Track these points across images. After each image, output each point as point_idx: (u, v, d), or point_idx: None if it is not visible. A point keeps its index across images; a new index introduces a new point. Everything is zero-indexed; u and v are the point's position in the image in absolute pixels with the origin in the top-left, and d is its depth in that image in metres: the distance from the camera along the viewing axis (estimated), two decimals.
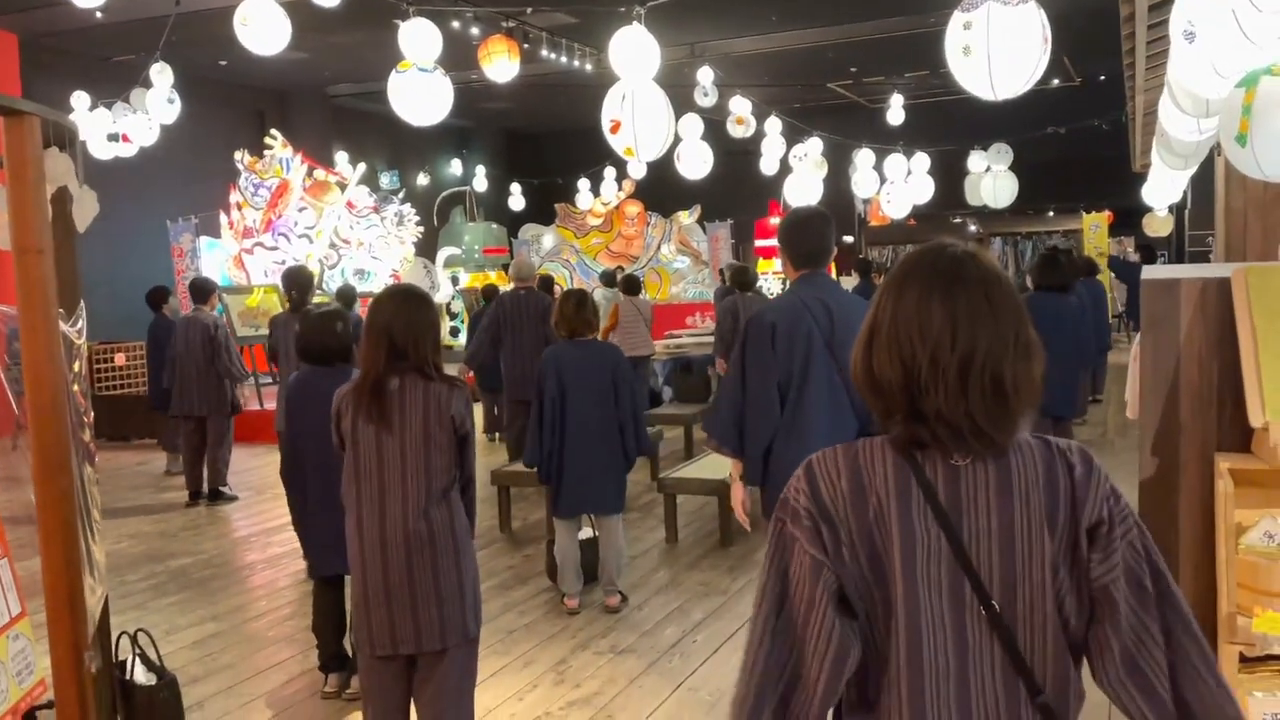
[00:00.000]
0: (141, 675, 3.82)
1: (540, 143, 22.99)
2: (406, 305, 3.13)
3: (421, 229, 15.31)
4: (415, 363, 3.08)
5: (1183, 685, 1.43)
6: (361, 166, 14.83)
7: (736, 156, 14.34)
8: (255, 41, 6.67)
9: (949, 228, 20.16)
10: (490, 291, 11.30)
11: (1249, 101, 3.20)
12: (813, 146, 13.34)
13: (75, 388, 2.99)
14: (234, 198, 13.94)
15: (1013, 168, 13.80)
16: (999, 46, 4.31)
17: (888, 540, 1.46)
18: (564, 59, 12.56)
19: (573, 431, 5.21)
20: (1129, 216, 17.76)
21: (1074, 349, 6.35)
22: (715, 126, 11.90)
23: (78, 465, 2.84)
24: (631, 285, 11.12)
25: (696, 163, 9.42)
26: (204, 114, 13.32)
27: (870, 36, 13.89)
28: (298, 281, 7.12)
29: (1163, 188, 10.01)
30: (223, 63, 14.25)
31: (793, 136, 13.43)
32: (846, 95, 18.84)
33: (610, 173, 17.66)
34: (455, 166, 21.42)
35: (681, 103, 7.98)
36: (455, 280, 16.92)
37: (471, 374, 8.34)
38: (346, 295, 10.10)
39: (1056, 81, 15.87)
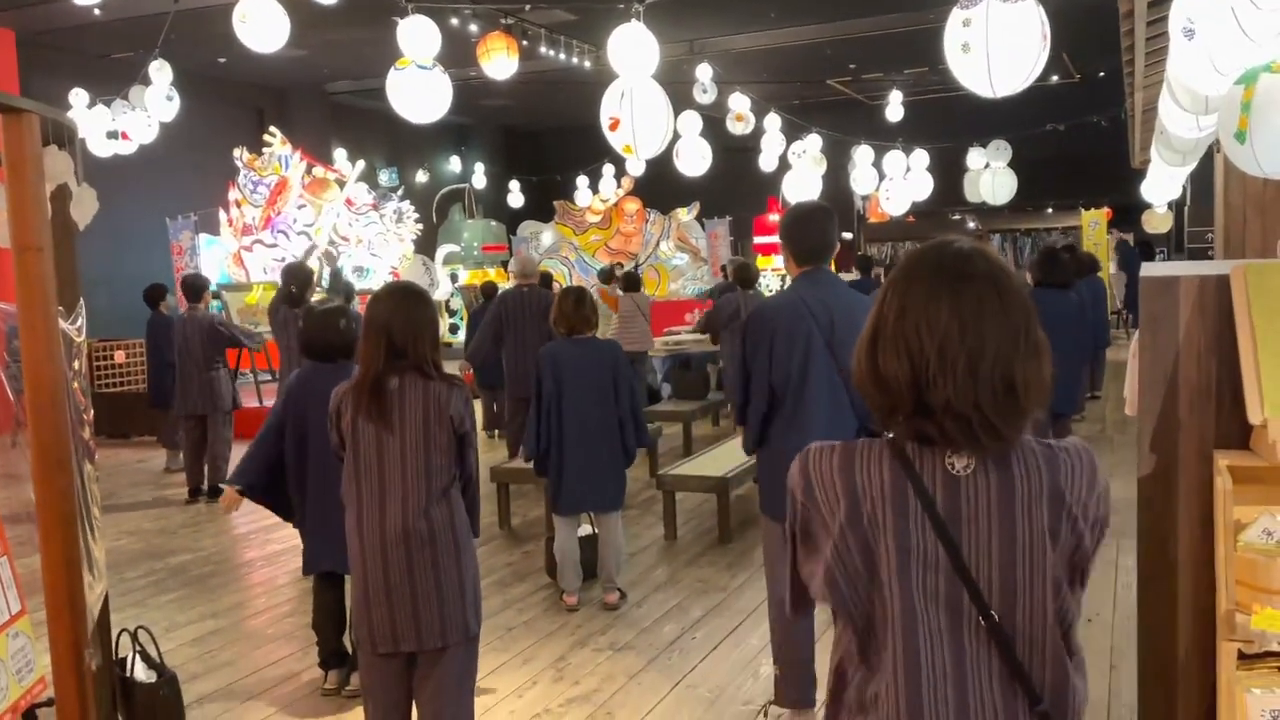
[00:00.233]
0: (141, 673, 3.83)
1: (539, 140, 22.98)
2: (405, 303, 3.13)
3: (420, 226, 15.31)
4: (414, 361, 3.08)
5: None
6: (360, 164, 14.82)
7: (735, 153, 14.33)
8: (254, 39, 6.67)
9: (948, 224, 20.16)
10: (490, 289, 11.30)
11: (1248, 98, 3.20)
12: (812, 143, 13.34)
13: (75, 385, 2.99)
14: (233, 195, 13.94)
15: (1012, 164, 13.81)
16: (998, 43, 4.31)
17: (880, 546, 1.46)
18: (563, 56, 12.56)
19: (571, 430, 5.21)
20: (1128, 213, 17.77)
21: (1074, 346, 6.35)
22: (714, 123, 11.89)
23: (77, 463, 2.84)
24: (631, 282, 11.12)
25: (695, 160, 9.42)
26: (203, 111, 13.31)
27: (869, 33, 13.89)
28: (298, 277, 7.12)
29: (1162, 184, 10.02)
30: (221, 60, 14.24)
31: (792, 133, 13.42)
32: (845, 92, 18.83)
33: (609, 170, 17.65)
34: (454, 164, 21.41)
35: (680, 100, 7.98)
36: (454, 277, 16.91)
37: (470, 372, 8.34)
38: (344, 289, 10.10)
39: (1056, 78, 15.87)
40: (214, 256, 13.84)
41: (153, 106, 9.13)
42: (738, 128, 12.73)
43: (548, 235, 19.37)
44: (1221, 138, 3.47)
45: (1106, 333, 11.65)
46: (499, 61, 8.94)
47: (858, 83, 18.12)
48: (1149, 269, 2.66)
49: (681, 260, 18.69)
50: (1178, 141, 5.96)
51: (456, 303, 16.37)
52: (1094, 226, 18.93)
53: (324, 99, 17.55)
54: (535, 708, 4.19)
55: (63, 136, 2.88)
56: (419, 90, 6.51)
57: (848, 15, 13.52)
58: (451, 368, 3.54)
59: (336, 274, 6.71)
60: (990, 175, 13.88)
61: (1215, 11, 3.01)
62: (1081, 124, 15.49)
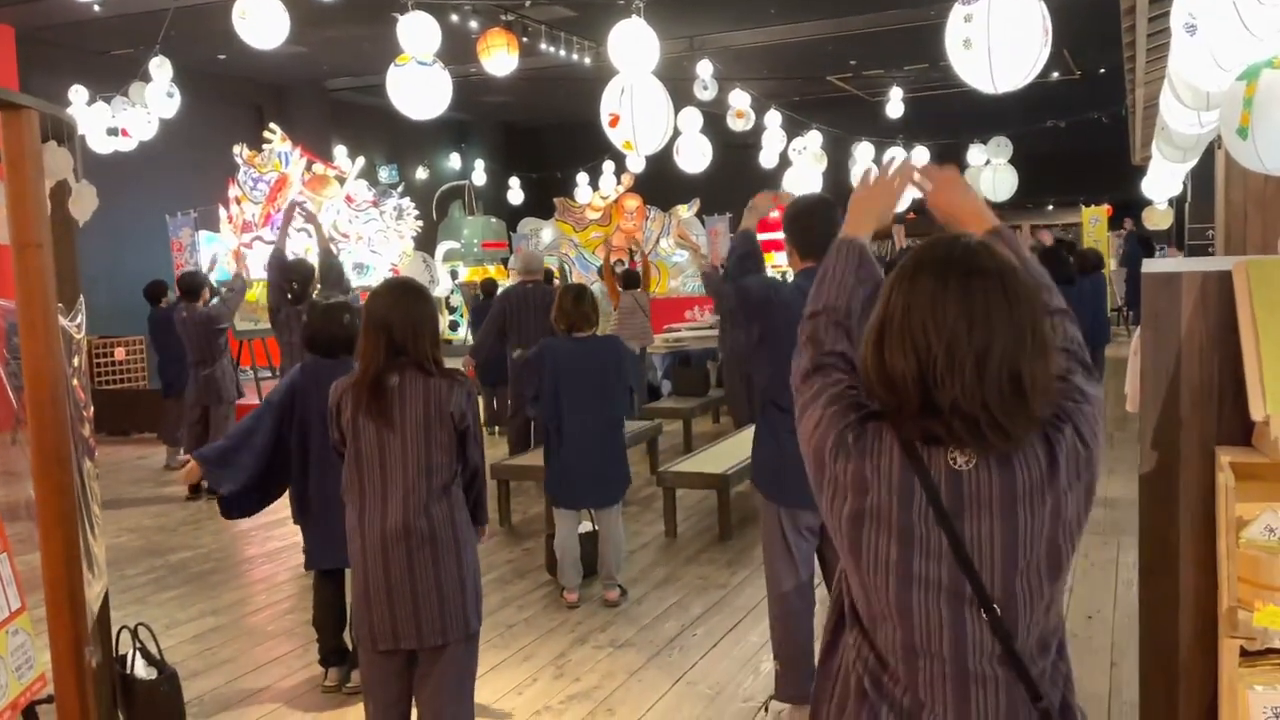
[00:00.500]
0: (142, 670, 3.82)
1: (539, 136, 22.95)
2: (405, 299, 3.12)
3: (420, 223, 15.27)
4: (414, 358, 3.07)
5: None
6: (360, 160, 14.80)
7: (736, 150, 14.32)
8: (254, 35, 6.66)
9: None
10: (490, 286, 11.28)
11: (1250, 94, 3.20)
12: (812, 140, 13.33)
13: (75, 382, 2.98)
14: (233, 192, 13.91)
15: (1012, 161, 13.81)
16: (999, 39, 4.31)
17: (880, 532, 1.46)
18: (563, 52, 12.54)
19: (571, 429, 5.21)
20: (1128, 210, 17.76)
21: None
22: (714, 120, 11.89)
23: (77, 460, 2.84)
24: (631, 279, 11.11)
25: (696, 156, 9.42)
26: (202, 108, 13.29)
27: (870, 29, 13.86)
28: (298, 274, 7.10)
29: (1162, 181, 10.02)
30: (221, 57, 14.22)
31: (792, 130, 13.41)
32: (846, 88, 18.81)
33: (609, 166, 17.63)
34: (454, 160, 21.39)
35: (681, 96, 7.97)
36: (454, 274, 16.89)
37: (472, 368, 8.34)
38: (337, 277, 10.00)
39: (1056, 75, 15.84)
40: (214, 253, 13.82)
41: (153, 103, 9.13)
42: (738, 124, 12.72)
43: (548, 232, 19.35)
44: (1224, 134, 3.47)
45: (1107, 330, 11.65)
46: (499, 58, 8.93)
47: (858, 79, 18.09)
48: (1150, 265, 2.66)
49: (682, 257, 18.68)
50: (1179, 138, 5.96)
51: (457, 299, 16.36)
52: (1094, 223, 18.92)
53: (324, 95, 17.53)
54: (535, 705, 4.19)
55: (62, 133, 2.88)
56: (419, 87, 6.50)
57: (848, 11, 13.49)
58: (454, 364, 3.53)
59: (330, 266, 6.67)
60: (991, 172, 13.88)
61: (1217, 7, 3.00)
62: (1082, 120, 15.48)
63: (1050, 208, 21.20)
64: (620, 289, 10.95)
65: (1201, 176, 11.15)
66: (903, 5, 12.58)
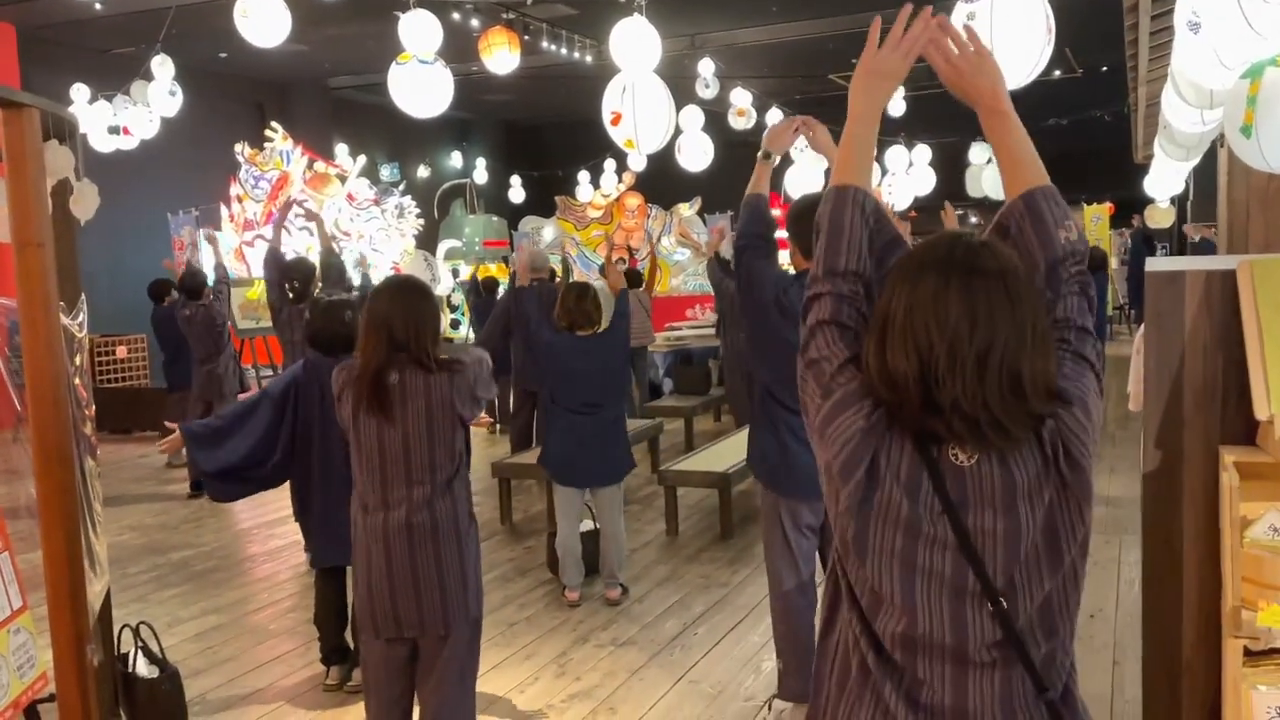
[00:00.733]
0: (143, 668, 3.83)
1: (540, 135, 22.94)
2: (407, 297, 3.12)
3: (422, 221, 15.29)
4: (415, 355, 3.07)
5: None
6: (362, 159, 14.80)
7: (737, 148, 14.30)
8: (255, 33, 6.65)
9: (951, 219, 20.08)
10: (490, 283, 11.28)
11: (1254, 93, 3.19)
12: None
13: (76, 380, 2.98)
14: (234, 190, 13.92)
15: None
16: (1002, 37, 4.29)
17: (886, 523, 1.46)
18: (564, 51, 12.53)
19: (568, 426, 5.21)
20: (1130, 208, 17.73)
21: None
22: (716, 118, 11.88)
23: (79, 458, 2.84)
24: (632, 278, 11.11)
25: (697, 155, 9.41)
26: (204, 107, 13.28)
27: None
28: (299, 272, 7.10)
29: (1164, 179, 9.99)
30: (222, 55, 14.22)
31: None
32: (847, 87, 18.78)
33: (610, 165, 17.63)
34: (455, 159, 21.38)
35: (682, 95, 7.96)
36: (455, 273, 16.88)
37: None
38: (339, 273, 9.97)
39: (1058, 73, 15.82)
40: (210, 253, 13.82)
41: (154, 101, 9.13)
42: (740, 123, 12.70)
43: (549, 230, 19.35)
44: (1227, 132, 3.46)
45: (1105, 328, 11.66)
46: (500, 56, 8.92)
47: None
48: (1154, 264, 2.65)
49: (683, 256, 18.68)
50: (1181, 136, 5.95)
51: (458, 298, 16.35)
52: (1096, 221, 18.90)
53: (325, 94, 17.52)
54: (537, 703, 4.18)
55: (64, 132, 2.88)
56: (420, 85, 6.49)
57: (850, 9, 13.46)
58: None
59: (331, 265, 6.64)
60: (993, 170, 13.86)
61: (1221, 5, 2.99)
62: (1084, 119, 15.46)
63: None
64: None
65: (1204, 175, 11.15)
66: (905, 3, 12.55)
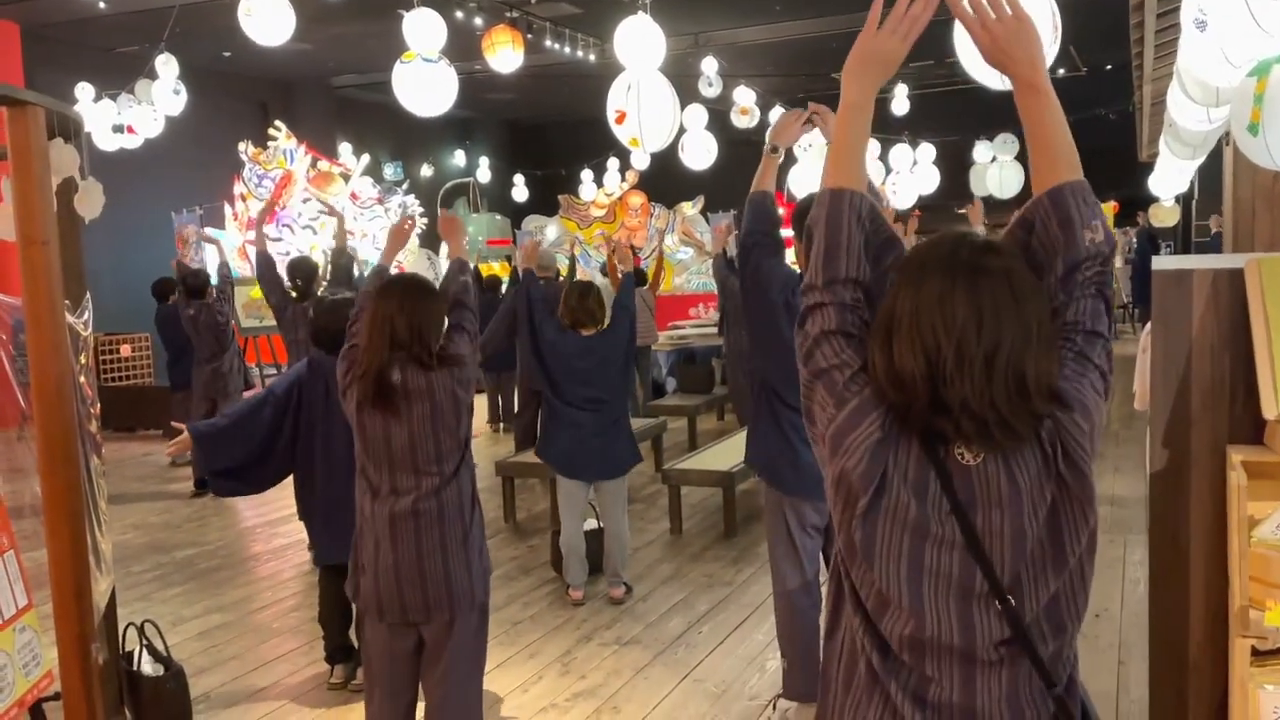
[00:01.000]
0: (148, 666, 3.83)
1: (544, 134, 22.94)
2: (411, 296, 3.12)
3: (425, 220, 15.30)
4: (415, 354, 3.07)
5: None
6: (365, 158, 14.81)
7: (740, 147, 14.30)
8: (259, 32, 6.66)
9: (954, 218, 20.09)
10: (493, 282, 11.26)
11: (1261, 90, 3.18)
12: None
13: (81, 379, 2.98)
14: (238, 189, 13.93)
15: (1019, 158, 13.77)
16: None
17: (894, 523, 1.46)
18: (568, 49, 12.53)
19: (571, 421, 5.21)
20: (1135, 206, 17.69)
21: None
22: (719, 117, 11.87)
23: (84, 456, 2.83)
24: (637, 276, 11.10)
25: (700, 153, 9.40)
26: (208, 105, 13.30)
27: None
28: (302, 271, 7.10)
29: (1170, 178, 9.98)
30: (226, 54, 14.23)
31: None
32: None
33: (613, 163, 17.62)
34: (459, 158, 21.39)
35: (685, 93, 7.95)
36: None
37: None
38: (345, 271, 9.98)
39: (1063, 71, 15.80)
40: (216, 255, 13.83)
41: (159, 100, 9.14)
42: (743, 121, 12.70)
43: (552, 229, 19.35)
44: (1234, 130, 3.45)
45: (1111, 327, 11.64)
46: (504, 55, 8.92)
47: None
48: (1161, 262, 2.64)
49: (686, 254, 18.67)
50: (1187, 134, 5.94)
51: None
52: None
53: (329, 93, 17.53)
54: (541, 702, 4.18)
55: (68, 130, 2.88)
56: (424, 84, 6.49)
57: (853, 8, 13.41)
58: None
59: (339, 265, 6.64)
60: (997, 169, 13.86)
61: (1228, 2, 2.99)
62: (1088, 117, 15.41)
63: None
64: None
65: (1209, 173, 11.12)
66: None
